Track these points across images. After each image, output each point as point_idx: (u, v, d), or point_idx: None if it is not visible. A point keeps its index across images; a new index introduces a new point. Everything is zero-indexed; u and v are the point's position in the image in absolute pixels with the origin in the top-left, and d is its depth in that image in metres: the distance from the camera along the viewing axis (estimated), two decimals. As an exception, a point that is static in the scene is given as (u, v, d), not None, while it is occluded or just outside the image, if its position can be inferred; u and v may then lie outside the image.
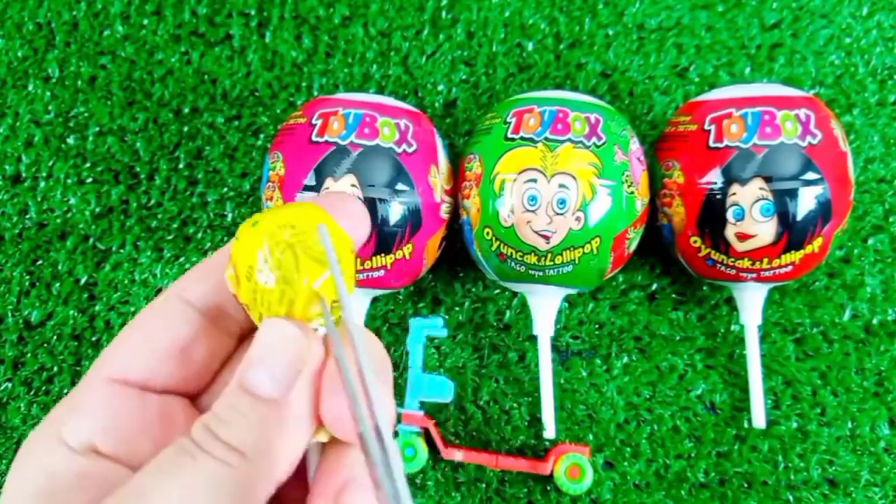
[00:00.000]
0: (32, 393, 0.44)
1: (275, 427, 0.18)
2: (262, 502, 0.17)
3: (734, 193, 0.37)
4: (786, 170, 0.36)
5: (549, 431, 0.41)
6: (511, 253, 0.38)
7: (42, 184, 0.47)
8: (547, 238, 0.37)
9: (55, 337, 0.45)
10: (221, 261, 0.21)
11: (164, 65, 0.48)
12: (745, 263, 0.38)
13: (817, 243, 0.37)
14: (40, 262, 0.46)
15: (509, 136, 0.38)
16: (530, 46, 0.48)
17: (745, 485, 0.42)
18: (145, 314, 0.20)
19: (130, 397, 0.19)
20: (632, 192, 0.38)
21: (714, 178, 0.37)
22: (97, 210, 0.46)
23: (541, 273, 0.38)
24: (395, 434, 0.40)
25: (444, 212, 0.39)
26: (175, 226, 0.46)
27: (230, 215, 0.46)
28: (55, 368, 0.44)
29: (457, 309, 0.45)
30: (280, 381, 0.18)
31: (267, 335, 0.18)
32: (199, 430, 0.17)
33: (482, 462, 0.41)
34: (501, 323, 0.44)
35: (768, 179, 0.36)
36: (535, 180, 0.37)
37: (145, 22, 0.49)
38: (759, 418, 0.40)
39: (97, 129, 0.47)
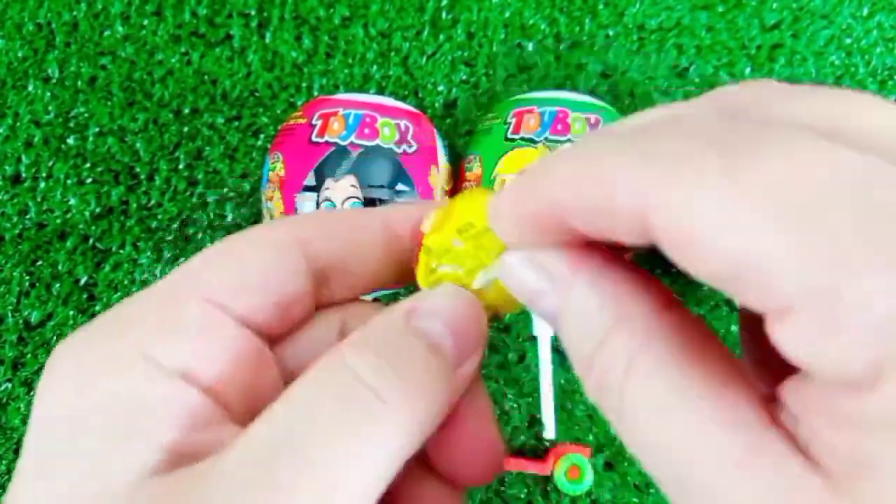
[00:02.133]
0: (32, 393, 0.44)
1: (444, 387, 0.16)
2: (410, 455, 0.15)
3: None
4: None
5: (549, 432, 0.41)
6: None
7: (42, 184, 0.47)
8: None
9: (55, 337, 0.45)
10: (356, 222, 0.19)
11: (165, 65, 0.48)
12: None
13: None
14: (40, 262, 0.46)
15: (509, 136, 0.38)
16: (530, 47, 0.48)
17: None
18: (257, 243, 0.17)
19: (228, 327, 0.16)
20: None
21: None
22: (97, 210, 0.46)
23: (541, 273, 0.38)
24: None
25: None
26: (175, 226, 0.46)
27: (230, 216, 0.46)
28: (55, 369, 0.44)
29: (457, 309, 0.45)
30: (460, 351, 0.16)
31: (453, 296, 0.17)
32: (360, 362, 0.15)
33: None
34: (501, 323, 0.44)
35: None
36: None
37: (145, 22, 0.49)
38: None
39: (97, 129, 0.47)
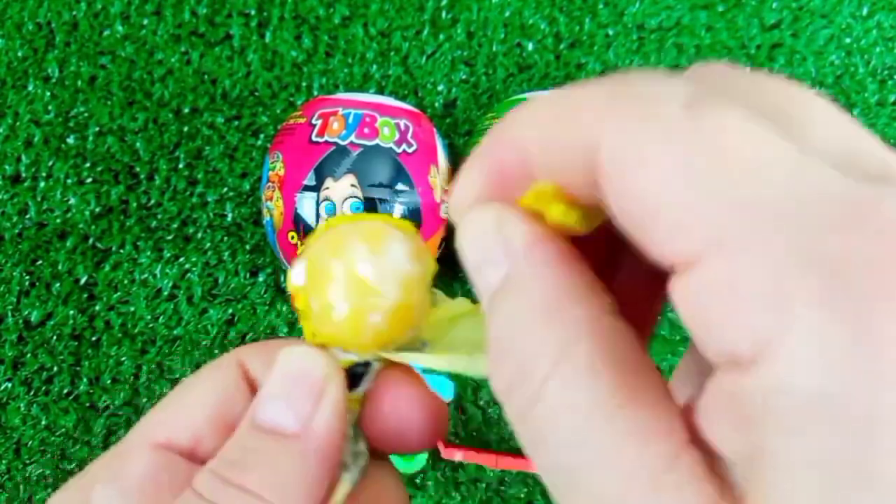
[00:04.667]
0: (32, 393, 0.44)
1: (298, 462, 0.16)
2: None
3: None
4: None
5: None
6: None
7: (42, 184, 0.47)
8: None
9: (55, 337, 0.45)
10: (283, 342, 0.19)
11: (164, 65, 0.48)
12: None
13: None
14: (40, 262, 0.46)
15: (509, 136, 0.38)
16: (530, 46, 0.48)
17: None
18: (199, 378, 0.19)
19: (173, 464, 0.17)
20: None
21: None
22: (97, 210, 0.46)
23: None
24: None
25: (444, 212, 0.39)
26: (175, 226, 0.46)
27: (230, 215, 0.46)
28: (55, 368, 0.44)
29: (457, 309, 0.45)
30: (300, 412, 0.16)
31: (285, 363, 0.17)
32: (205, 480, 0.16)
33: (482, 462, 0.41)
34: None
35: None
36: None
37: (145, 22, 0.49)
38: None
39: (97, 129, 0.47)
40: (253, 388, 0.18)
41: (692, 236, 0.10)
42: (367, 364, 0.18)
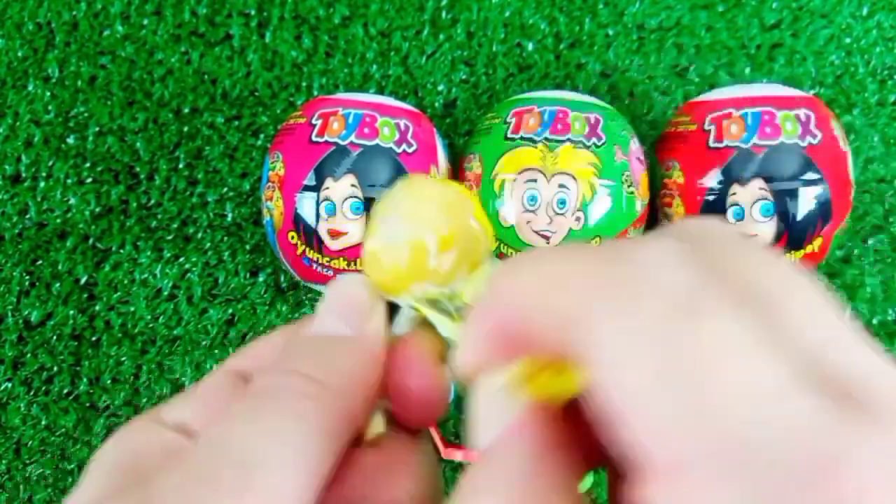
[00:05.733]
0: (32, 393, 0.44)
1: (349, 357, 0.17)
2: (344, 438, 0.16)
3: (734, 193, 0.37)
4: (786, 170, 0.36)
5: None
6: (511, 253, 0.38)
7: (42, 184, 0.47)
8: (547, 238, 0.37)
9: (55, 337, 0.45)
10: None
11: (164, 65, 0.48)
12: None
13: (817, 243, 0.37)
14: (40, 262, 0.46)
15: (509, 136, 0.38)
16: (530, 46, 0.48)
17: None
18: (270, 334, 0.20)
19: (237, 382, 0.18)
20: (632, 192, 0.38)
21: (714, 178, 0.37)
22: (97, 210, 0.46)
23: (541, 273, 0.38)
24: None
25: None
26: (175, 226, 0.46)
27: (230, 215, 0.46)
28: (55, 368, 0.44)
29: (457, 309, 0.45)
30: (353, 324, 0.17)
31: (336, 288, 0.18)
32: (267, 374, 0.16)
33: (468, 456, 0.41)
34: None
35: (768, 179, 0.36)
36: (534, 180, 0.37)
37: (145, 22, 0.49)
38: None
39: (97, 129, 0.47)
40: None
41: (657, 451, 0.11)
42: (399, 308, 0.19)
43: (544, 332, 0.13)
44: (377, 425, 0.18)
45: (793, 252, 0.37)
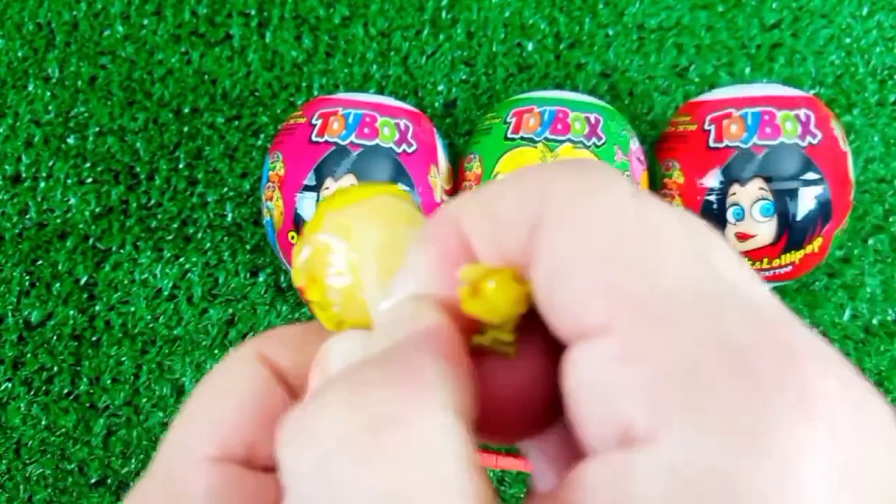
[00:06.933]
0: (32, 393, 0.44)
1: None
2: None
3: (734, 193, 0.37)
4: (786, 170, 0.36)
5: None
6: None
7: (42, 184, 0.47)
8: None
9: (55, 337, 0.45)
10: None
11: (164, 65, 0.48)
12: (745, 263, 0.38)
13: (817, 243, 0.37)
14: (40, 262, 0.46)
15: (509, 136, 0.38)
16: (530, 46, 0.48)
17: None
18: (226, 379, 0.17)
19: (236, 477, 0.16)
20: (632, 192, 0.38)
21: (714, 178, 0.37)
22: (97, 210, 0.46)
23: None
24: None
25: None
26: (175, 226, 0.46)
27: (230, 215, 0.46)
28: (55, 368, 0.44)
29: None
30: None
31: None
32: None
33: (482, 462, 0.41)
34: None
35: (768, 179, 0.36)
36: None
37: (145, 22, 0.49)
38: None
39: (97, 129, 0.47)
40: (282, 380, 0.17)
41: (590, 308, 0.11)
42: None
43: (494, 234, 0.13)
44: None
45: (793, 252, 0.37)
